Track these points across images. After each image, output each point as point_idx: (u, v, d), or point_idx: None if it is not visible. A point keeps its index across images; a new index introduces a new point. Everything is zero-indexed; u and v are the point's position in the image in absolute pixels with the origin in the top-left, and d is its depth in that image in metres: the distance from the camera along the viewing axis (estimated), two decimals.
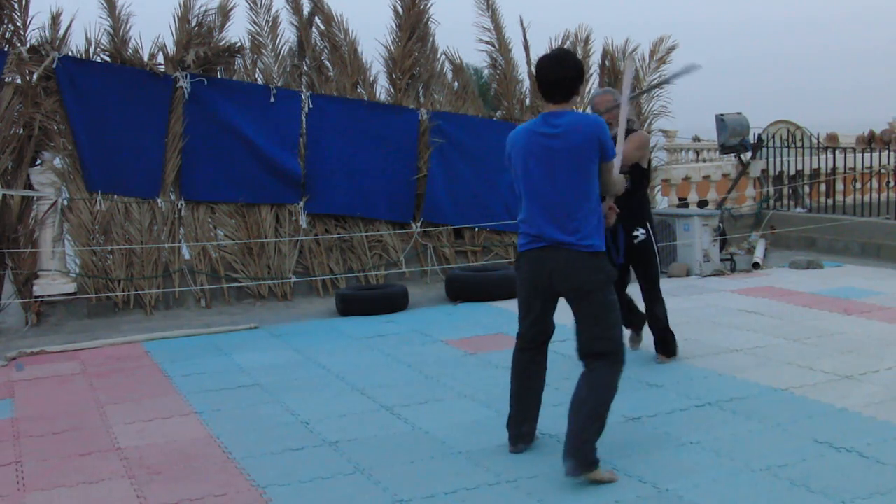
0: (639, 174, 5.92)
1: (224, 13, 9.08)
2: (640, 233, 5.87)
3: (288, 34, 9.57)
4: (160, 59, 8.75)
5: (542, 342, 4.47)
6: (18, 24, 8.30)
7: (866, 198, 11.73)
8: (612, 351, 4.13)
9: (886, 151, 12.57)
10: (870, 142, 13.60)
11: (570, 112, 4.13)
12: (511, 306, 8.32)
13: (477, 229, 10.06)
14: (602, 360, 4.11)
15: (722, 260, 10.01)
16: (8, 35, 8.29)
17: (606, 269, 4.15)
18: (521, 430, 4.46)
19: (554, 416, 5.01)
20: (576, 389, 4.12)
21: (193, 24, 8.90)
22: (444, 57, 10.27)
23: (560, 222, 4.09)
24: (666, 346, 6.13)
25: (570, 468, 3.94)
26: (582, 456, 3.94)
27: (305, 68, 9.62)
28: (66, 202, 8.46)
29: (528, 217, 4.19)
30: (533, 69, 10.52)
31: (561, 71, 4.10)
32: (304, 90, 9.31)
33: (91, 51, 8.53)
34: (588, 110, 5.71)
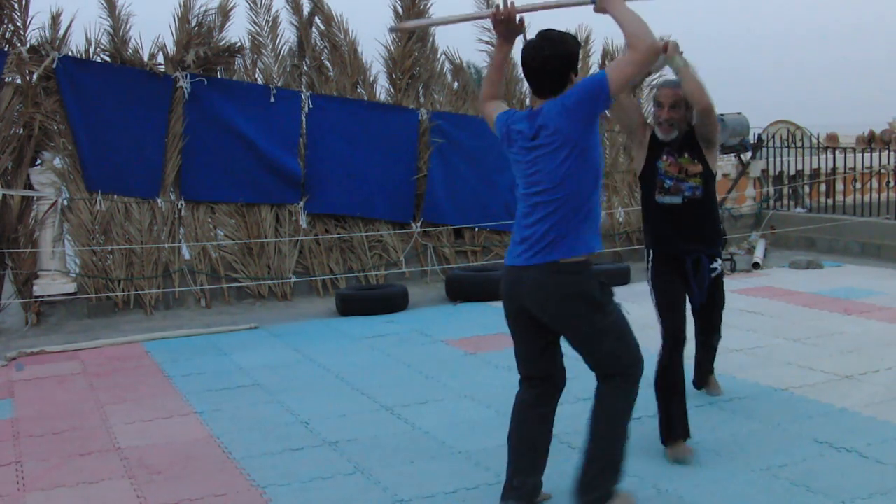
0: (709, 177, 4.48)
1: (224, 13, 9.08)
2: (717, 265, 4.67)
3: (288, 34, 9.59)
4: (160, 59, 8.75)
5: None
6: (18, 24, 8.30)
7: (866, 198, 11.72)
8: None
9: (886, 151, 12.56)
10: (870, 142, 13.59)
11: None
12: None
13: (477, 229, 10.06)
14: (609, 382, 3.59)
15: (722, 260, 9.99)
16: (8, 35, 8.28)
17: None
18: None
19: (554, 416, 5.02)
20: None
21: (193, 24, 8.90)
22: (444, 57, 10.28)
23: None
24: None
25: None
26: (584, 497, 3.49)
27: (305, 68, 9.62)
28: (66, 202, 8.46)
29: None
30: None
31: (542, 57, 3.38)
32: (304, 90, 9.31)
33: (91, 51, 8.54)
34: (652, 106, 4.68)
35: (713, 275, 4.60)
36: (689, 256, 4.46)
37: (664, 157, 4.43)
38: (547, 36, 3.40)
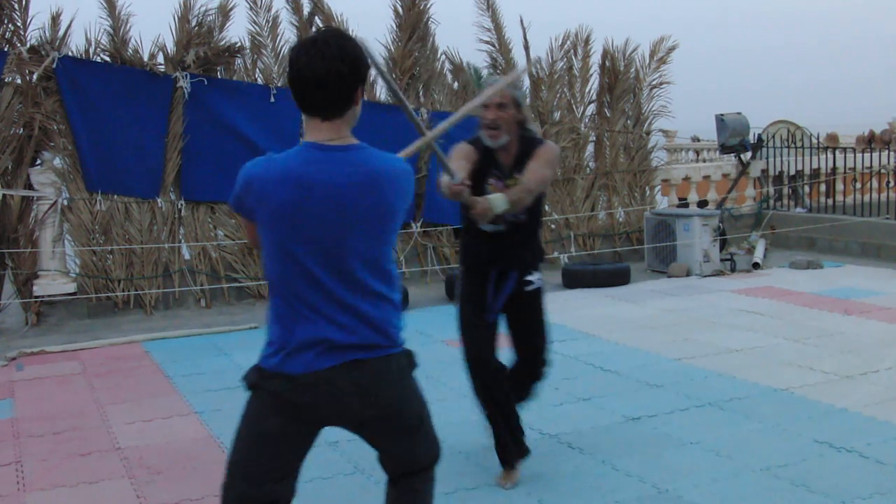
0: (536, 199, 4.11)
1: (224, 13, 9.08)
2: (534, 277, 4.18)
3: (288, 34, 9.57)
4: (160, 59, 8.75)
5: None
6: (18, 24, 8.29)
7: (866, 198, 11.72)
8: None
9: (886, 151, 12.56)
10: (870, 142, 13.58)
11: (361, 144, 2.60)
12: None
13: None
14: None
15: (722, 260, 10.01)
16: (8, 35, 8.28)
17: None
18: None
19: (554, 416, 5.02)
20: None
21: (193, 24, 8.90)
22: (444, 57, 10.28)
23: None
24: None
25: None
26: None
27: None
28: (66, 202, 8.45)
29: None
30: (534, 69, 10.53)
31: (323, 63, 2.43)
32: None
33: (91, 51, 8.53)
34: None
35: (528, 289, 4.15)
36: (498, 269, 4.10)
37: (491, 182, 3.97)
38: (324, 37, 2.52)
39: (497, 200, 3.68)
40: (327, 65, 2.43)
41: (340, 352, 2.50)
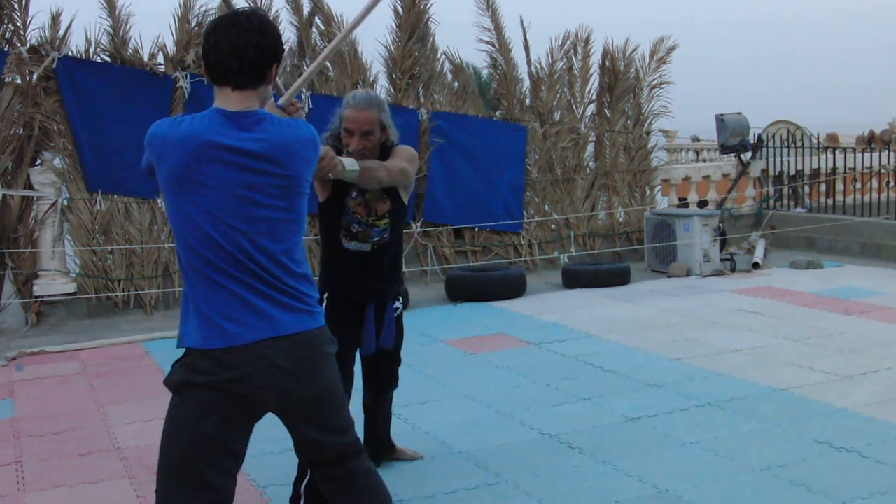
0: (399, 212, 3.98)
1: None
2: (399, 303, 4.15)
3: (288, 34, 9.57)
4: (160, 59, 8.75)
5: None
6: (18, 24, 8.29)
7: (866, 198, 11.73)
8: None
9: (886, 151, 12.57)
10: (870, 142, 13.59)
11: (264, 112, 2.53)
12: (511, 306, 8.34)
13: (477, 229, 10.06)
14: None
15: (722, 260, 10.01)
16: (8, 35, 8.28)
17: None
18: None
19: (554, 416, 5.02)
20: None
21: (193, 24, 8.90)
22: (444, 57, 10.28)
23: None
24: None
25: None
26: None
27: (305, 68, 9.61)
28: (66, 202, 8.45)
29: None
30: (533, 69, 10.53)
31: (242, 34, 2.47)
32: (304, 90, 9.30)
33: (91, 51, 8.53)
34: (333, 124, 4.23)
35: (395, 314, 4.10)
36: (373, 303, 3.96)
37: (353, 194, 3.84)
38: (243, 13, 2.56)
39: (347, 161, 3.41)
40: (247, 36, 2.45)
41: (268, 322, 2.46)
